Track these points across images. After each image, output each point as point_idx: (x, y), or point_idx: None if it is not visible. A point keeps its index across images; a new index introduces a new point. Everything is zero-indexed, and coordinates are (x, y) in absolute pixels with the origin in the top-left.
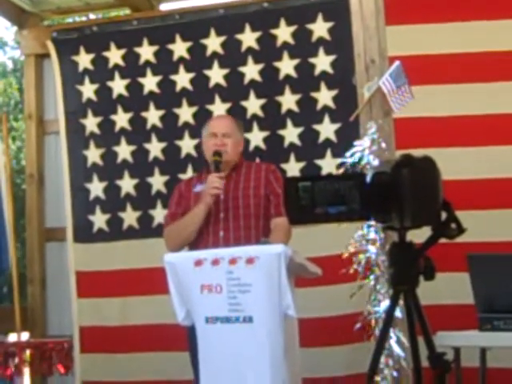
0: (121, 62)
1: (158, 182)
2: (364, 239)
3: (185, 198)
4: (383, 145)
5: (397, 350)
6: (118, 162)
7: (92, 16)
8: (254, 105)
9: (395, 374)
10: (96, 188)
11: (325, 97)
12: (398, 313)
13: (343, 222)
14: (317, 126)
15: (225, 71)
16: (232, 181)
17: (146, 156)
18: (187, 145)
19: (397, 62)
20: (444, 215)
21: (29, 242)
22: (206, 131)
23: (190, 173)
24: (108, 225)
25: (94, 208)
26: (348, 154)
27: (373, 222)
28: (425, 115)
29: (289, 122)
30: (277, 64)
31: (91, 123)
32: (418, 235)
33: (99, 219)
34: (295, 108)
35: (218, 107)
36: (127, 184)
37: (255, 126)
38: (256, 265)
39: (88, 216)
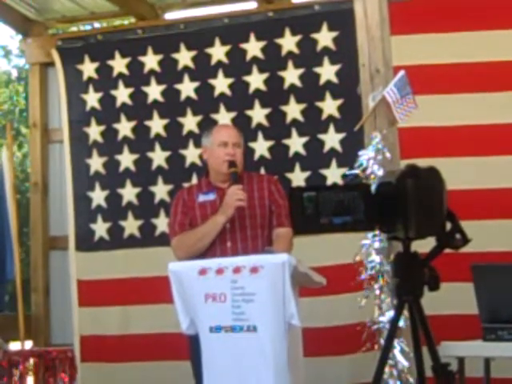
0: (125, 71)
1: (161, 191)
2: (369, 249)
3: (190, 208)
4: (388, 154)
5: (401, 360)
6: (120, 170)
7: (97, 25)
8: (258, 114)
9: None
10: (98, 196)
11: (329, 106)
12: (402, 323)
13: (348, 232)
14: (322, 136)
15: (229, 80)
16: None
17: (149, 165)
18: (192, 154)
19: (401, 72)
20: (449, 225)
21: (33, 251)
22: (212, 140)
23: (194, 182)
24: (108, 233)
25: (96, 216)
26: (356, 165)
27: (378, 232)
28: (429, 125)
29: (294, 132)
30: (281, 73)
31: (94, 132)
32: (423, 245)
33: (100, 228)
34: (300, 117)
35: (223, 116)
36: (129, 193)
37: (260, 136)
38: (260, 274)
39: (90, 224)
